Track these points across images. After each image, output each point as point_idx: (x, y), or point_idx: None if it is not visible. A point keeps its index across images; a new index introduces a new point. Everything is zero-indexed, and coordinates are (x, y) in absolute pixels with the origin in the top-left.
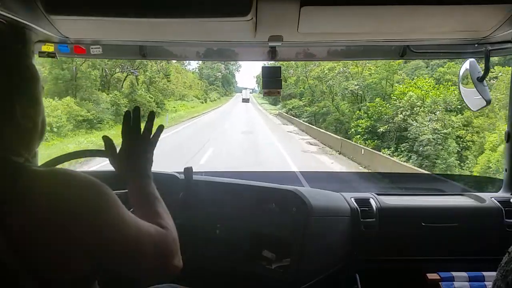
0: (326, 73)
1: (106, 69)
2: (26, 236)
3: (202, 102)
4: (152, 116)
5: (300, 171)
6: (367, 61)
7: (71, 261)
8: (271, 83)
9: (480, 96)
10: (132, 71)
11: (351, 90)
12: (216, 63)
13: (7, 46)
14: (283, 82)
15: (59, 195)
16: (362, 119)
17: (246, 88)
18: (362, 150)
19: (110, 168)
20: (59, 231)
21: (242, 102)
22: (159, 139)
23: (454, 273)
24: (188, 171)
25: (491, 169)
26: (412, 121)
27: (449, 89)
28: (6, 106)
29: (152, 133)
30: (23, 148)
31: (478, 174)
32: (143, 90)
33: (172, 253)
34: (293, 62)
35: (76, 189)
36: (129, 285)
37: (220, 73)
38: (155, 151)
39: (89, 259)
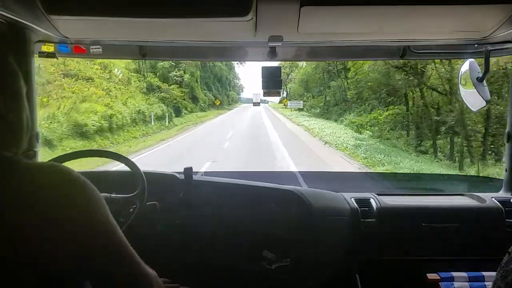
0: None
1: None
2: (18, 228)
3: None
4: None
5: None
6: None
7: (58, 255)
8: (271, 83)
9: (480, 96)
10: None
11: None
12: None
13: None
14: None
15: (45, 187)
16: None
17: (257, 94)
18: None
19: (110, 168)
20: (46, 224)
21: (253, 106)
22: None
23: (454, 273)
24: (188, 171)
25: None
26: None
27: None
28: None
29: None
30: (10, 142)
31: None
32: None
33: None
34: None
35: (63, 183)
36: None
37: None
38: None
39: (70, 254)
